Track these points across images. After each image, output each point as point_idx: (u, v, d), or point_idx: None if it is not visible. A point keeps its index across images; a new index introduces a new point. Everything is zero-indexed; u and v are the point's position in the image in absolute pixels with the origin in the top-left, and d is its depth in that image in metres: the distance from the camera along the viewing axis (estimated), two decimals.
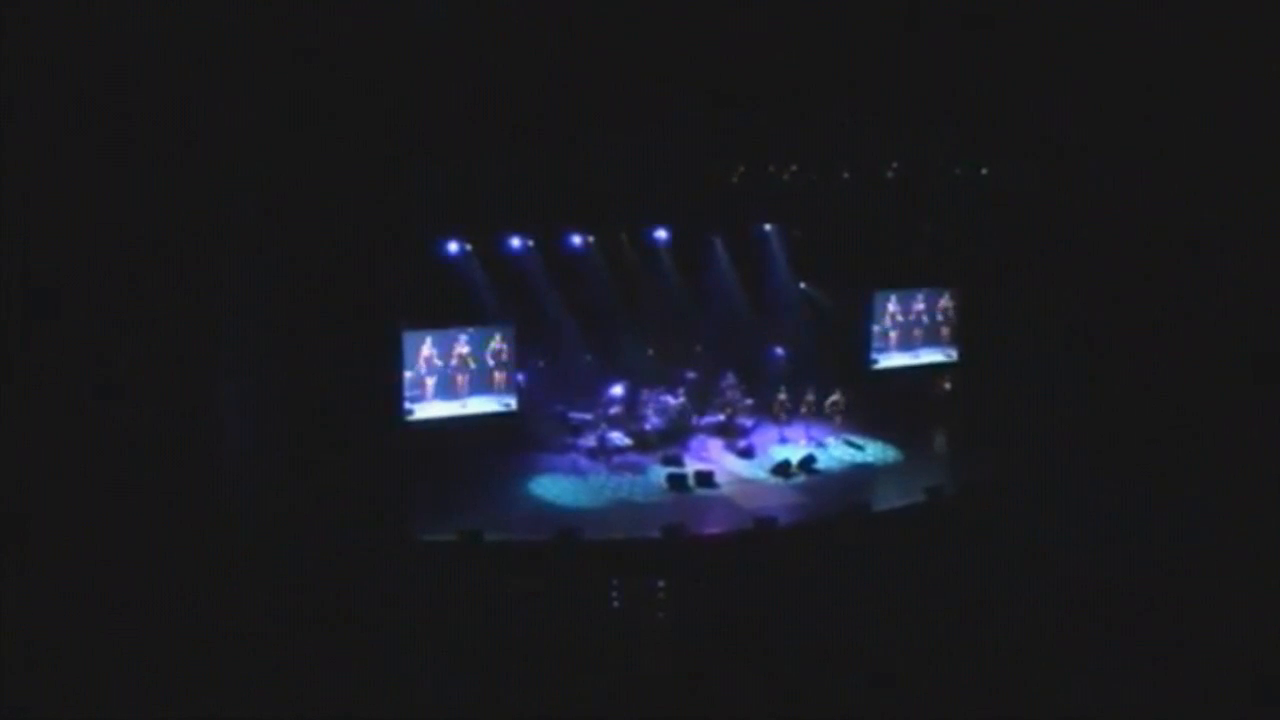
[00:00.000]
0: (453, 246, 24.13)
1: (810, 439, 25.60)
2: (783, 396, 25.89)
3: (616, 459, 24.28)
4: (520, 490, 22.60)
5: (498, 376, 24.89)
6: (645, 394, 26.18)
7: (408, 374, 23.62)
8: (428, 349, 24.11)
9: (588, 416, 25.43)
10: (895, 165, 25.64)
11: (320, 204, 19.91)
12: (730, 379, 26.63)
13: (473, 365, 24.61)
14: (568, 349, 26.23)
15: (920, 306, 28.34)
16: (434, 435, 23.37)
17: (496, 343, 24.82)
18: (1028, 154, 24.81)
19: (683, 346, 27.57)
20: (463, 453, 23.38)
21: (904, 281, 27.94)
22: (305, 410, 20.06)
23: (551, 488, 22.79)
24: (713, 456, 24.80)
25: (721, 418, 25.95)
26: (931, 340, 28.49)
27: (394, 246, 21.32)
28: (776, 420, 26.00)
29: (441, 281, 23.66)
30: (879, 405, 26.63)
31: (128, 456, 16.86)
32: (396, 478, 20.87)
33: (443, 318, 24.08)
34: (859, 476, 23.71)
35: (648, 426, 25.38)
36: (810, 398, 25.90)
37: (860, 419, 26.31)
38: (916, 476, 22.72)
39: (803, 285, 28.11)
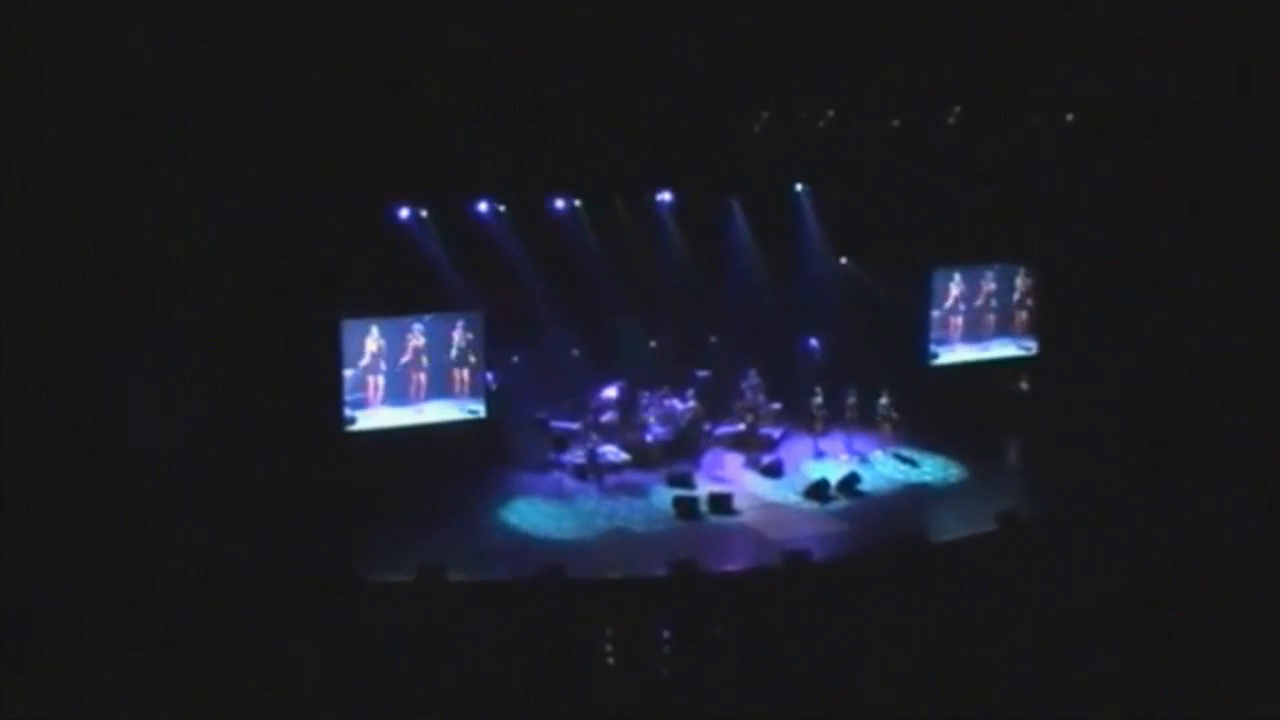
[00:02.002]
0: (404, 213, 24.09)
1: (852, 453, 25.64)
2: (818, 400, 25.91)
3: (610, 478, 24.31)
4: (491, 518, 22.61)
5: (462, 376, 24.87)
6: (646, 397, 26.20)
7: (348, 373, 23.64)
8: (374, 342, 24.09)
9: (575, 425, 25.41)
10: (958, 110, 25.64)
11: (239, 163, 19.96)
12: (752, 378, 26.65)
13: (430, 362, 24.63)
14: (549, 341, 26.21)
15: (990, 287, 28.42)
16: (382, 450, 23.36)
17: (460, 334, 24.81)
18: (1123, 97, 24.83)
19: (693, 338, 27.63)
20: (419, 472, 23.36)
21: (970, 255, 27.99)
22: (220, 421, 20.00)
23: (530, 515, 22.80)
24: (730, 475, 24.85)
25: (741, 426, 25.96)
26: (1004, 329, 28.59)
27: (330, 214, 21.33)
28: (810, 430, 26.04)
29: (390, 257, 23.61)
30: (939, 410, 26.64)
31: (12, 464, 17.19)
32: (336, 504, 20.85)
33: (392, 302, 24.06)
34: (913, 500, 23.74)
35: (649, 438, 25.42)
36: (852, 401, 25.91)
37: (915, 428, 26.31)
38: (985, 500, 22.78)
39: (843, 261, 28.13)
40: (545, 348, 26.30)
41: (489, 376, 25.36)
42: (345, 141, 21.35)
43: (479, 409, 25.04)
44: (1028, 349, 28.65)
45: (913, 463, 25.41)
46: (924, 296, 27.77)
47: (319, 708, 15.69)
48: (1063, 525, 21.48)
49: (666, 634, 18.33)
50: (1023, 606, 18.36)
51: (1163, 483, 22.25)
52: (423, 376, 24.61)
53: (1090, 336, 26.46)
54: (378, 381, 24.20)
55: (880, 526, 22.07)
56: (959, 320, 28.25)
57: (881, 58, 23.69)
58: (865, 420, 26.08)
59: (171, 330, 19.96)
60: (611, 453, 24.84)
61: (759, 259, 27.52)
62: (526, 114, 22.67)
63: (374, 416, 24.11)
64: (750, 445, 25.73)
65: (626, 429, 25.56)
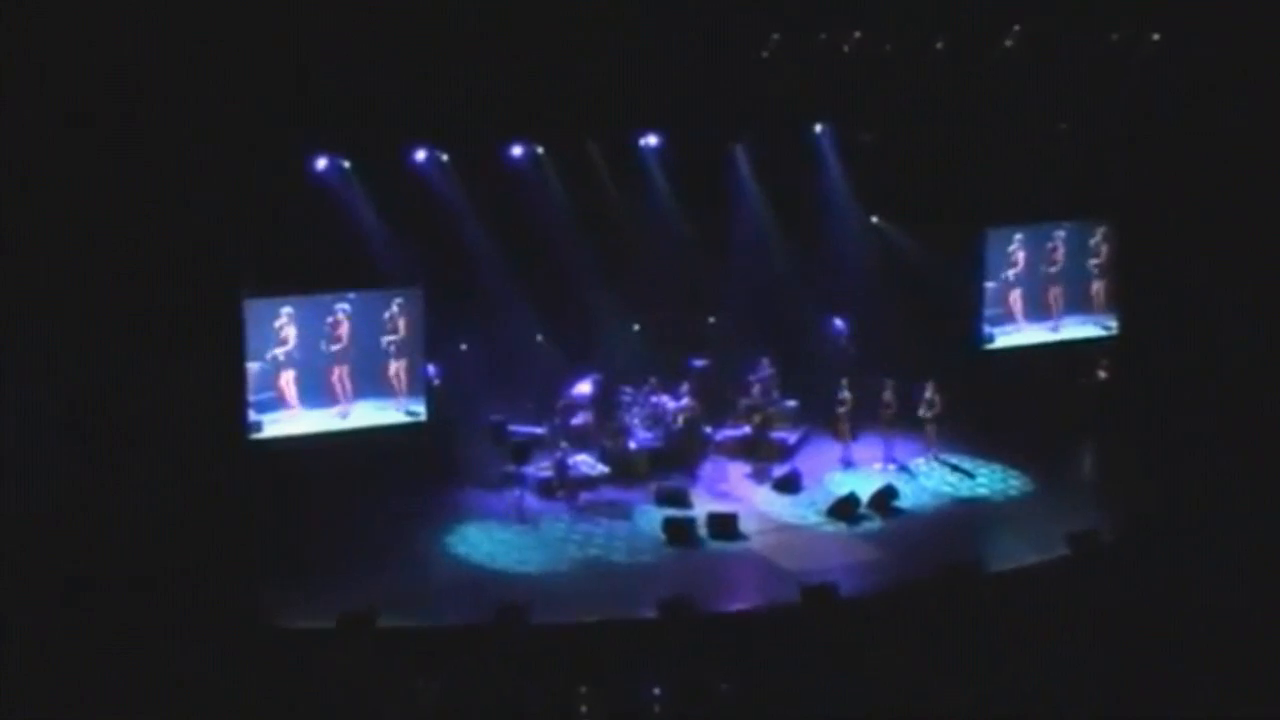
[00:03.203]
0: (321, 165, 24.14)
1: (889, 461, 25.72)
2: (845, 395, 25.89)
3: (585, 496, 24.35)
4: (435, 548, 22.63)
5: (398, 369, 24.91)
6: (628, 393, 26.23)
7: (253, 367, 23.68)
8: (286, 327, 24.06)
9: (540, 430, 25.45)
10: (1016, 29, 25.66)
11: (108, 101, 19.88)
12: (762, 369, 26.69)
13: (357, 352, 24.56)
14: (507, 324, 26.26)
15: (1059, 251, 28.47)
16: (298, 463, 23.37)
17: (395, 316, 24.82)
18: (1222, 10, 24.82)
19: (687, 318, 27.63)
20: (344, 490, 23.39)
21: (1034, 212, 28.09)
22: (91, 427, 19.99)
23: (483, 543, 22.81)
24: (735, 490, 24.88)
25: (748, 429, 26.00)
26: (1077, 304, 28.67)
27: (227, 166, 21.25)
28: (836, 433, 26.10)
29: (306, 220, 23.60)
30: (996, 407, 26.73)
31: None
32: (238, 531, 20.79)
33: (309, 277, 24.06)
34: (965, 519, 23.80)
35: (633, 444, 25.45)
36: (888, 397, 25.86)
37: (967, 429, 26.41)
38: (1055, 518, 22.82)
39: (875, 220, 28.20)
40: (501, 332, 26.29)
41: (431, 370, 25.32)
42: (245, 75, 21.27)
43: (419, 410, 25.03)
44: (1107, 329, 28.77)
45: (964, 472, 25.46)
46: (976, 264, 27.79)
47: None
48: (1151, 549, 21.46)
49: (657, 692, 18.21)
50: (1101, 652, 18.31)
51: (1277, 496, 22.27)
52: (348, 370, 24.57)
53: (1185, 313, 26.49)
54: (291, 377, 24.14)
55: (923, 553, 22.03)
56: (1020, 294, 28.29)
57: None
58: (904, 420, 26.04)
59: (29, 313, 19.84)
60: (585, 464, 24.81)
61: (769, 219, 27.53)
62: (474, 38, 22.65)
63: (287, 421, 24.07)
64: (760, 453, 25.74)
65: (604, 434, 25.56)
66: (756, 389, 26.35)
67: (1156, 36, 25.96)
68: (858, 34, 25.08)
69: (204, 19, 20.85)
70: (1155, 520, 22.53)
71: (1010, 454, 25.88)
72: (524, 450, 24.66)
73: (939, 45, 25.52)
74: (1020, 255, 28.24)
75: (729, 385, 26.78)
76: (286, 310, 24.04)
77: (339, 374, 24.52)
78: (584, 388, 26.04)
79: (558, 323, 26.69)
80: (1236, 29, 24.83)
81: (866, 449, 26.11)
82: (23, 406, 19.54)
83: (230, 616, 19.32)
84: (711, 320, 27.86)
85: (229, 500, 20.88)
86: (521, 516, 23.69)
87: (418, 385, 25.04)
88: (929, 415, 25.94)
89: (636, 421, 25.86)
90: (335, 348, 24.49)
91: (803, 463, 25.77)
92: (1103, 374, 27.98)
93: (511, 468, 24.53)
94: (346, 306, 24.49)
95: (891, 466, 25.61)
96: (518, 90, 23.53)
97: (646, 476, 25.02)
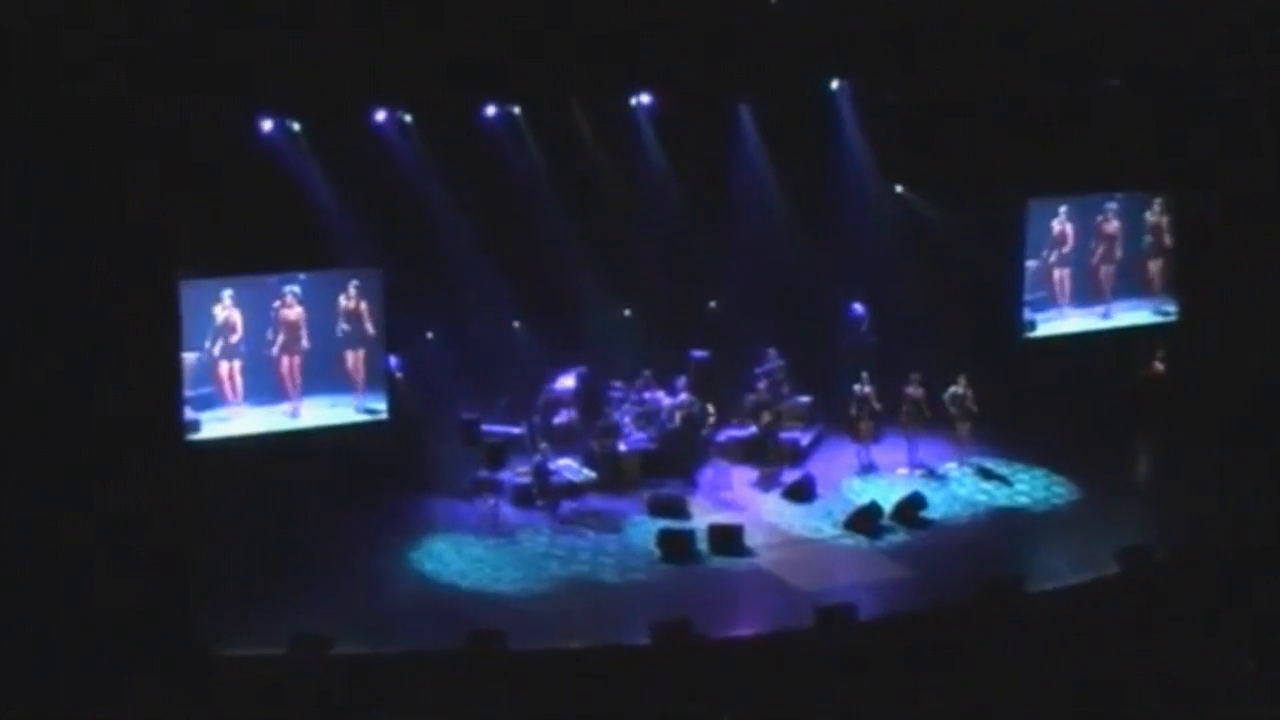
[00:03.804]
0: (267, 127, 24.15)
1: (915, 466, 25.82)
2: (865, 389, 25.91)
3: (568, 505, 24.39)
4: (398, 565, 22.70)
5: (355, 361, 25.00)
6: (618, 389, 26.30)
7: (189, 358, 23.71)
8: (227, 312, 24.12)
9: (516, 430, 25.49)
10: None
11: (24, 56, 19.86)
12: (771, 360, 26.75)
13: (310, 342, 24.70)
14: (479, 310, 26.33)
15: (1111, 227, 28.56)
16: (242, 468, 23.40)
17: (352, 300, 24.89)
18: None
19: (686, 303, 27.69)
20: (294, 499, 23.42)
21: (1082, 181, 28.10)
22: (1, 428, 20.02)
23: (453, 559, 22.86)
24: (741, 498, 24.97)
25: (755, 429, 26.09)
26: (1131, 286, 28.80)
27: (158, 128, 21.18)
28: (854, 433, 26.14)
29: (250, 190, 23.58)
30: (1038, 404, 26.77)
31: None
32: (173, 544, 20.74)
33: (253, 256, 24.08)
34: (1002, 532, 23.85)
35: (623, 447, 25.50)
36: (914, 392, 25.90)
37: (1005, 429, 26.49)
38: (1105, 531, 22.90)
39: (899, 190, 28.24)
40: (473, 319, 26.35)
41: (393, 361, 25.33)
42: (178, 23, 21.20)
43: (379, 408, 25.04)
44: (1165, 314, 28.81)
45: (1001, 479, 25.50)
46: (1016, 241, 27.83)
47: None
48: (1213, 567, 21.29)
49: None
50: (1157, 682, 18.15)
51: None
52: (298, 362, 24.59)
53: (1253, 296, 26.45)
54: (234, 369, 24.17)
55: (955, 570, 22.06)
56: (1066, 275, 28.30)
57: None
58: (933, 419, 26.05)
59: None
60: (569, 469, 24.83)
61: (779, 189, 27.53)
62: None
63: (229, 420, 24.11)
64: (768, 456, 25.77)
65: (591, 434, 25.60)
66: (764, 384, 26.34)
67: None
68: None
69: None
70: (1217, 534, 22.51)
71: (1054, 458, 25.90)
72: (499, 453, 24.66)
73: None
74: (1067, 230, 28.25)
75: (733, 379, 26.77)
76: (228, 293, 24.03)
77: (288, 366, 24.53)
78: (567, 382, 26.04)
79: (537, 308, 26.68)
80: None
81: (889, 452, 26.15)
82: None
83: (165, 643, 19.21)
84: (712, 305, 27.87)
85: (162, 510, 20.80)
86: (496, 528, 23.69)
87: (378, 379, 25.05)
88: (961, 413, 25.91)
89: (627, 420, 25.87)
90: (284, 336, 24.46)
91: (816, 467, 25.80)
92: (1159, 366, 27.93)
93: (485, 473, 24.51)
94: (296, 289, 24.47)
95: (918, 472, 25.63)
96: (490, 42, 23.43)
97: (639, 483, 25.06)
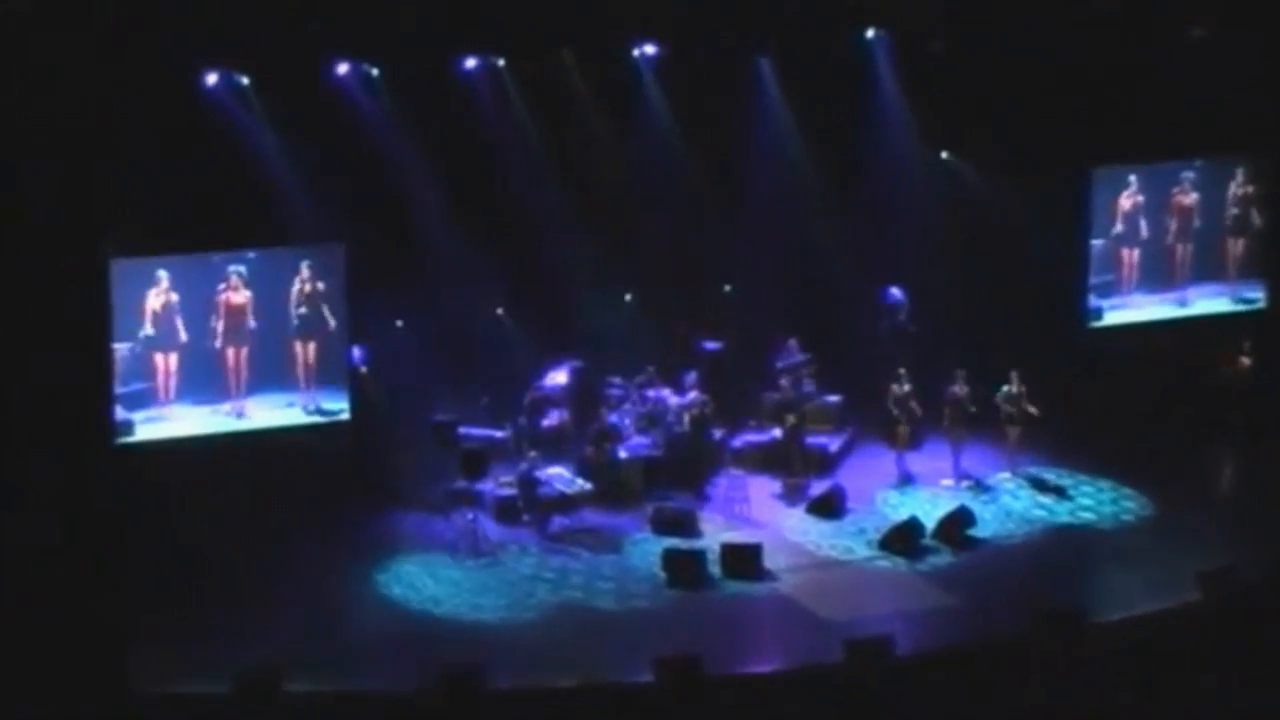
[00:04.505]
0: (211, 80, 24.20)
1: (961, 476, 25.84)
2: (903, 388, 25.97)
3: (559, 521, 24.39)
4: (361, 590, 22.69)
5: (308, 353, 25.05)
6: (617, 386, 26.36)
7: (121, 349, 23.76)
8: (163, 296, 24.19)
9: (499, 433, 25.56)
10: None
11: None
12: (794, 353, 26.78)
13: (258, 330, 24.71)
14: (455, 294, 26.41)
15: (1188, 199, 28.56)
16: (181, 477, 23.37)
17: (308, 282, 24.95)
18: None
19: (695, 287, 27.82)
20: (241, 513, 23.41)
21: (1154, 146, 28.09)
22: None
23: (425, 583, 22.83)
24: (759, 514, 24.95)
25: (777, 433, 26.11)
26: (1210, 268, 28.82)
27: (88, 83, 21.15)
28: (891, 438, 26.21)
29: (191, 155, 23.62)
30: (1103, 404, 26.82)
31: None
32: (104, 566, 20.64)
33: (194, 230, 24.09)
34: (1062, 552, 23.83)
35: (624, 453, 25.56)
36: (960, 391, 25.88)
37: (1065, 433, 26.49)
38: (1182, 550, 22.88)
39: (944, 156, 28.34)
40: (449, 304, 26.40)
41: (356, 354, 25.36)
42: None
43: (339, 408, 25.10)
44: (1249, 302, 28.82)
45: (1060, 491, 25.51)
46: (1079, 216, 27.86)
47: None
48: None
49: None
50: None
51: None
52: (245, 354, 24.63)
53: None
54: (170, 363, 24.22)
55: (1007, 597, 22.01)
56: (1136, 255, 28.34)
57: None
58: (981, 421, 26.03)
59: None
60: (560, 478, 24.79)
61: (803, 155, 27.60)
62: None
63: (165, 421, 24.16)
64: (792, 464, 25.77)
65: (585, 439, 25.61)
66: (787, 380, 26.31)
67: None
68: None
69: None
70: None
71: (1122, 466, 25.91)
72: (479, 460, 24.70)
73: None
74: (1137, 204, 28.25)
75: (750, 375, 26.82)
76: (165, 274, 24.06)
77: (233, 359, 24.60)
78: (559, 378, 26.11)
79: (524, 291, 26.74)
80: None
81: (931, 460, 26.18)
82: None
83: (95, 679, 19.07)
84: (727, 289, 27.93)
85: (91, 525, 20.79)
86: (476, 548, 23.66)
87: (338, 374, 25.10)
88: (1014, 415, 25.88)
89: (628, 423, 25.89)
90: (228, 324, 24.52)
91: (847, 477, 25.82)
92: (1244, 361, 27.97)
93: (462, 483, 24.52)
94: (243, 269, 24.49)
95: (964, 483, 25.66)
96: None
97: (641, 495, 25.09)
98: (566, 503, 24.55)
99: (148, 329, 24.09)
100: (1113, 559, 23.58)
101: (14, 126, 20.43)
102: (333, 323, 25.07)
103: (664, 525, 24.27)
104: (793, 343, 26.80)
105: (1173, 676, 19.20)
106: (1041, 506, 25.16)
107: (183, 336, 24.25)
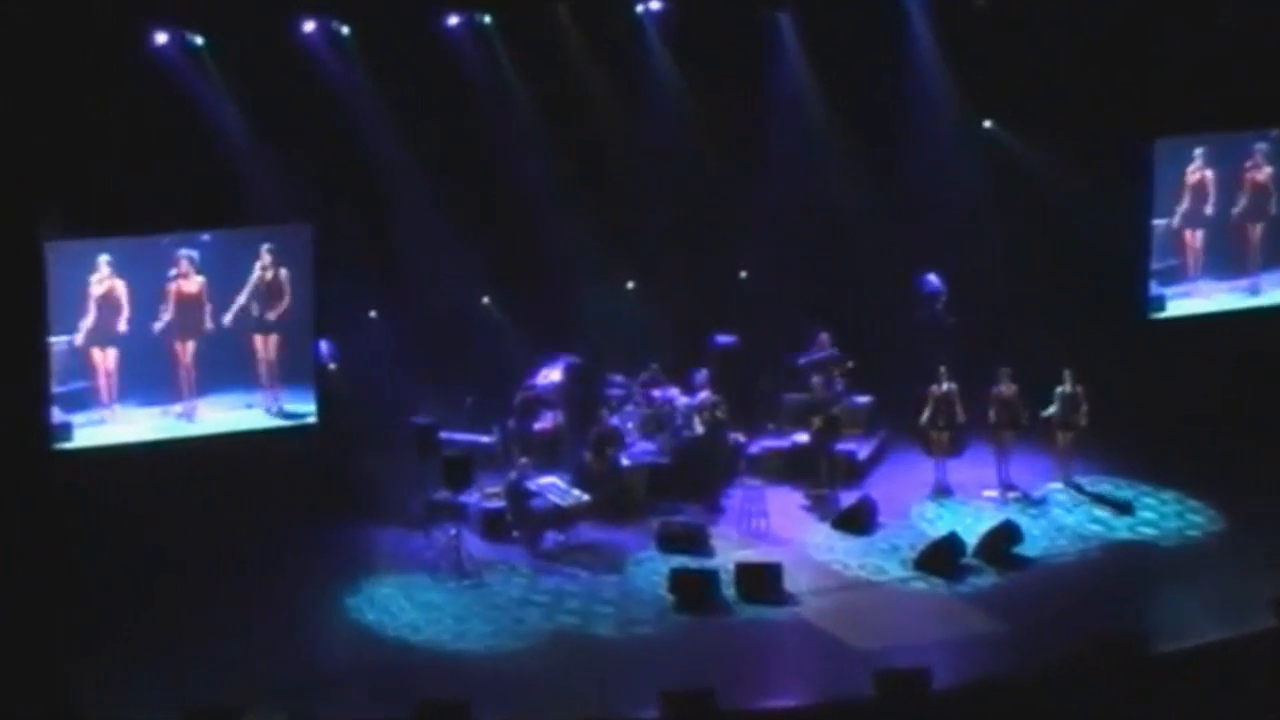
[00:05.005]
0: (161, 40, 24.16)
1: (1007, 486, 25.83)
2: (942, 387, 25.92)
3: (552, 537, 24.43)
4: (329, 613, 22.66)
5: (268, 348, 25.15)
6: (618, 385, 26.42)
7: (57, 343, 23.83)
8: (106, 284, 24.18)
9: (486, 438, 25.63)
10: None
11: None
12: (820, 347, 26.81)
13: (213, 323, 24.78)
14: (437, 280, 26.52)
15: (1262, 174, 28.54)
16: (125, 487, 23.31)
17: (269, 267, 25.01)
18: None
19: (707, 272, 27.88)
20: (194, 528, 23.37)
21: (1224, 114, 27.95)
22: None
23: (401, 607, 22.83)
24: (779, 529, 24.93)
25: (800, 437, 26.18)
26: None
27: (21, 44, 21.15)
28: (927, 443, 26.21)
29: (138, 125, 23.63)
30: (1166, 406, 26.77)
31: None
32: (40, 587, 20.84)
33: (141, 210, 24.04)
34: (1121, 572, 23.80)
35: (625, 460, 25.58)
36: (1006, 391, 25.87)
37: (1123, 438, 26.55)
38: (1255, 571, 22.86)
39: (988, 125, 28.36)
40: (429, 293, 26.48)
41: (324, 348, 25.44)
42: None
43: (304, 410, 25.15)
44: None
45: (1119, 504, 25.47)
46: (1140, 192, 27.82)
47: None
48: None
49: None
50: None
51: None
52: (197, 349, 24.64)
53: None
54: (109, 359, 24.23)
55: (1059, 623, 21.87)
56: (1202, 236, 28.28)
57: None
58: (1031, 425, 26.01)
59: None
60: (554, 489, 24.71)
61: (829, 123, 27.62)
62: None
63: (108, 424, 24.18)
64: (817, 473, 25.79)
65: (583, 444, 25.61)
66: (818, 379, 26.31)
67: None
68: None
69: None
70: None
71: (1188, 476, 25.86)
72: (463, 468, 24.42)
73: None
74: (1205, 179, 28.18)
75: (769, 372, 26.81)
76: (106, 259, 24.06)
77: (184, 354, 24.61)
78: (553, 375, 26.12)
79: (513, 278, 26.77)
80: None
81: (973, 467, 26.15)
82: None
83: (31, 711, 19.16)
84: (742, 275, 27.92)
85: (24, 541, 20.85)
86: (459, 567, 23.60)
87: (303, 371, 25.17)
88: (1067, 418, 25.86)
89: (631, 426, 25.88)
90: (179, 315, 24.54)
91: (878, 488, 25.79)
92: None
93: (444, 494, 24.49)
94: (194, 254, 24.50)
95: (1011, 494, 25.62)
96: None
97: (646, 508, 25.09)
98: (561, 516, 24.49)
99: (89, 321, 24.03)
100: (1178, 580, 23.55)
101: None
102: (297, 314, 25.07)
103: (671, 542, 24.22)
104: (824, 337, 26.73)
105: (1245, 714, 19.11)
106: (1097, 521, 25.13)
107: (127, 329, 24.23)
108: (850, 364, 26.83)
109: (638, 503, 25.24)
